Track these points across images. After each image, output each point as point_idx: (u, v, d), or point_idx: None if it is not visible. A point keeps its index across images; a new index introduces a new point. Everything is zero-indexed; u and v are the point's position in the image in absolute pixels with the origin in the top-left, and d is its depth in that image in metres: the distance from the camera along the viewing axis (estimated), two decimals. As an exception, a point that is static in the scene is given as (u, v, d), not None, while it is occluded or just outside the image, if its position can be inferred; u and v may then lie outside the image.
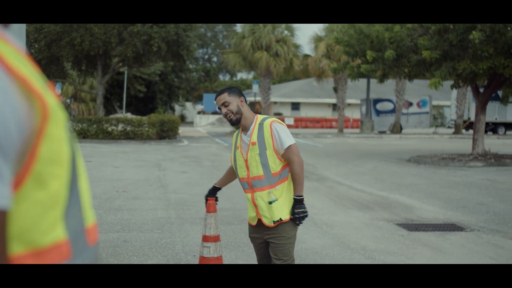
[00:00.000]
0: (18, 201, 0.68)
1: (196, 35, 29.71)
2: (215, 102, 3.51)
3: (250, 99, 40.17)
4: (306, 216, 3.38)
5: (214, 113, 49.03)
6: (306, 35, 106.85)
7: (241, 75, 69.47)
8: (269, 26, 31.19)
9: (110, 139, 22.47)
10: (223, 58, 34.95)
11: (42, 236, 0.70)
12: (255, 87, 32.11)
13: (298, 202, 3.36)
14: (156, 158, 15.73)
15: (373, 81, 35.82)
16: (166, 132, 23.34)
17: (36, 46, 24.73)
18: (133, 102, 53.18)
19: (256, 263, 3.77)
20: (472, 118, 32.17)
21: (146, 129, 22.95)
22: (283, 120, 26.21)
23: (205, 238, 4.16)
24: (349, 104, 44.51)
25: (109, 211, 7.57)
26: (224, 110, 3.38)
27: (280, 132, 3.32)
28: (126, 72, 44.50)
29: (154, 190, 9.53)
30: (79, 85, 33.28)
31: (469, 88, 29.45)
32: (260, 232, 3.49)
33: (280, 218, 3.35)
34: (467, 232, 6.66)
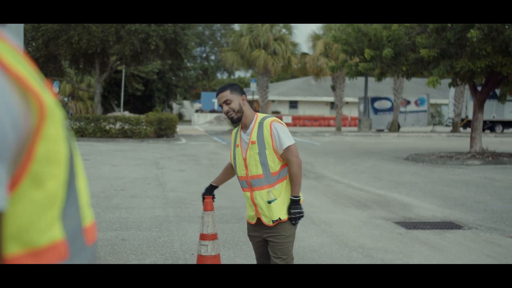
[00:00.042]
0: (15, 201, 0.67)
1: (194, 33, 29.66)
2: (216, 98, 3.48)
3: (248, 97, 40.11)
4: (302, 216, 3.39)
5: (212, 111, 49.03)
6: (304, 33, 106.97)
7: (239, 74, 69.48)
8: (267, 24, 31.17)
9: (108, 138, 22.44)
10: (221, 56, 34.92)
11: (39, 236, 0.70)
12: (253, 86, 32.10)
13: (294, 203, 3.36)
14: (154, 156, 15.72)
15: (371, 80, 35.74)
16: (164, 131, 23.32)
17: (34, 44, 24.69)
18: (131, 100, 53.13)
19: (255, 261, 3.77)
20: (470, 117, 32.23)
21: (144, 127, 22.93)
22: (281, 119, 26.19)
23: (203, 237, 4.16)
24: (347, 103, 44.52)
25: (107, 209, 7.56)
26: (225, 108, 3.35)
27: (280, 132, 3.31)
28: (124, 71, 44.46)
29: (152, 189, 9.52)
30: (76, 83, 33.24)
31: (467, 87, 29.47)
32: (259, 231, 3.49)
33: (279, 218, 3.35)
34: (465, 230, 6.67)
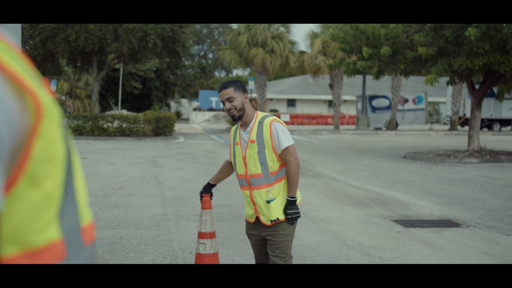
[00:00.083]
0: (11, 201, 0.66)
1: (191, 31, 29.65)
2: (218, 95, 3.43)
3: (246, 95, 40.13)
4: (299, 217, 3.39)
5: (210, 109, 49.00)
6: (302, 31, 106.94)
7: (237, 72, 69.40)
8: (265, 22, 31.19)
9: (106, 136, 22.41)
10: (218, 54, 34.90)
11: (36, 237, 0.69)
12: (251, 84, 32.11)
13: (290, 203, 3.36)
14: (152, 155, 15.70)
15: (369, 78, 35.81)
16: (162, 129, 23.31)
17: (31, 42, 24.65)
18: (128, 98, 53.06)
19: (253, 259, 3.77)
20: (468, 115, 32.27)
21: (142, 126, 22.91)
22: (279, 117, 26.19)
23: (201, 235, 4.15)
24: (345, 101, 44.56)
25: (105, 208, 7.55)
26: (228, 105, 3.32)
27: (279, 131, 3.30)
28: (121, 69, 44.40)
29: (150, 187, 9.51)
30: (74, 81, 33.19)
31: (464, 85, 29.52)
32: (258, 229, 3.48)
33: (277, 218, 3.35)
34: (463, 228, 6.68)
